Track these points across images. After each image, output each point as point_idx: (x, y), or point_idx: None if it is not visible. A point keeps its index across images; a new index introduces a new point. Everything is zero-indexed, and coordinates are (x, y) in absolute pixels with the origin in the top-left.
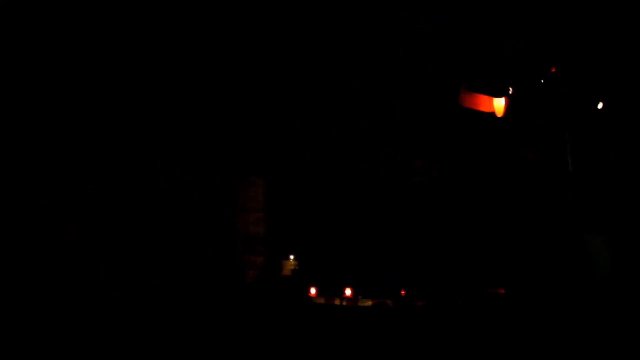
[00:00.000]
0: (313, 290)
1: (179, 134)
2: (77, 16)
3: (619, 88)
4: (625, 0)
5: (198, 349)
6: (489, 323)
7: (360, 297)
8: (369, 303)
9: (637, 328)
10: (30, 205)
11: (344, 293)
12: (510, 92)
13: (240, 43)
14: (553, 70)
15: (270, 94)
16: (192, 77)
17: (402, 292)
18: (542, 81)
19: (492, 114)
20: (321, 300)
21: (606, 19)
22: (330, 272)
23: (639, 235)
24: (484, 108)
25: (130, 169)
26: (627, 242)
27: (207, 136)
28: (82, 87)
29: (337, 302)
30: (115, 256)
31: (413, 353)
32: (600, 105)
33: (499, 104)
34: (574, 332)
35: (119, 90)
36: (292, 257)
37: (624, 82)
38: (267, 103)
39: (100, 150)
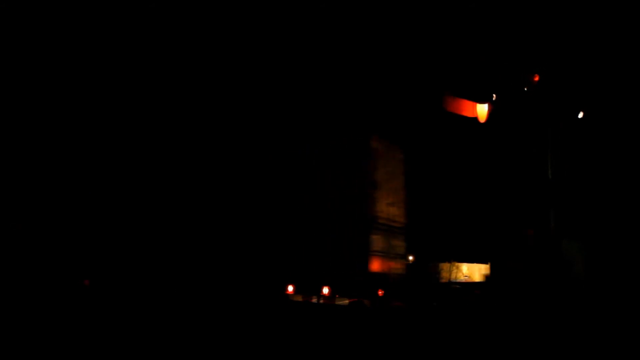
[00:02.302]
0: (290, 288)
1: None
2: (77, 18)
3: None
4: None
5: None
6: (470, 322)
7: (337, 295)
8: (346, 302)
9: (608, 323)
10: (28, 212)
11: (321, 291)
12: (493, 99)
13: None
14: (536, 79)
15: None
16: None
17: (380, 293)
18: (525, 89)
19: (475, 119)
20: (298, 298)
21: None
22: (308, 270)
23: (613, 242)
24: (468, 113)
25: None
26: (602, 248)
27: None
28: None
29: (314, 300)
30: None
31: (391, 351)
32: (581, 115)
33: (482, 110)
34: (551, 329)
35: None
36: None
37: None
38: None
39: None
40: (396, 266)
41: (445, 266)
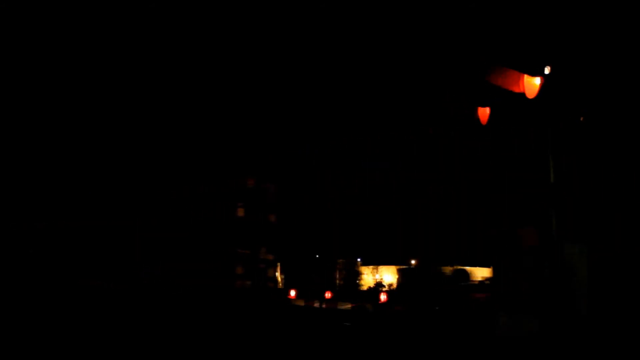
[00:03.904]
0: (293, 293)
1: None
2: (77, 18)
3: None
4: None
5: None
6: (470, 325)
7: (339, 300)
8: (349, 306)
9: (609, 327)
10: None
11: (324, 296)
12: (547, 72)
13: None
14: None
15: None
16: None
17: (382, 297)
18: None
19: (520, 97)
20: (301, 303)
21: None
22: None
23: (616, 246)
24: (514, 87)
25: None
26: (605, 252)
27: None
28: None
29: (316, 304)
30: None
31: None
32: (582, 117)
33: (532, 84)
34: (549, 333)
35: None
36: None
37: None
38: None
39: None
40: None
41: (447, 270)
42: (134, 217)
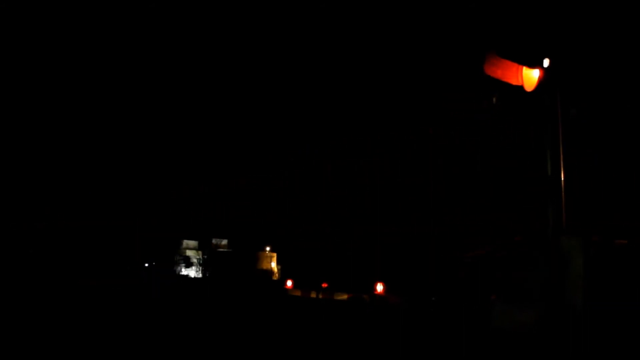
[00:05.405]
0: (289, 283)
1: None
2: (77, 18)
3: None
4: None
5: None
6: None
7: (336, 291)
8: (345, 297)
9: (609, 320)
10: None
11: (320, 286)
12: (546, 65)
13: None
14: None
15: None
16: None
17: (378, 288)
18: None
19: (518, 90)
20: (297, 293)
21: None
22: (307, 265)
23: (613, 238)
24: (512, 79)
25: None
26: (601, 244)
27: None
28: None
29: (313, 295)
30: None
31: (389, 346)
32: (574, 112)
33: (531, 77)
34: (546, 322)
35: None
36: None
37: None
38: None
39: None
40: None
41: None
42: (134, 217)
